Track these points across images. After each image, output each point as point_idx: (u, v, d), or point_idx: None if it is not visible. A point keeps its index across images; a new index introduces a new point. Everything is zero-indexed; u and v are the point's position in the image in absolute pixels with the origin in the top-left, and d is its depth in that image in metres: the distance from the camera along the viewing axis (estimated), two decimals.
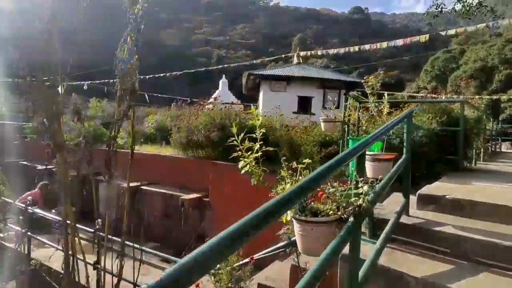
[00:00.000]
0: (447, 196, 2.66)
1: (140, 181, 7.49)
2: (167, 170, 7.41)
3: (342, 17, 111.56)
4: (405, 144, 2.74)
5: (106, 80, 20.92)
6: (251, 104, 15.52)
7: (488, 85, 40.07)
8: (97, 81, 23.56)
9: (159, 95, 35.01)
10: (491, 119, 9.60)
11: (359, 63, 74.91)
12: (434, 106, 5.34)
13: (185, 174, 7.12)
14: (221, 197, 6.15)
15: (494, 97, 29.24)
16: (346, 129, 5.23)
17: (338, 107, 14.48)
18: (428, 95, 39.89)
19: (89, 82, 23.55)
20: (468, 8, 8.78)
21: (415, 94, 41.15)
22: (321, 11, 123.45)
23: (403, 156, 2.67)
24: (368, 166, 2.85)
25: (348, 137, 4.96)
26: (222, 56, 79.57)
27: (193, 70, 21.73)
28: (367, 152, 3.79)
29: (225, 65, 24.53)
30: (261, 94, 14.80)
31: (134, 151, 3.07)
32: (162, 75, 23.88)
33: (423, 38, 9.82)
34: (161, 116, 10.55)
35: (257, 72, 14.55)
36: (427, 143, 4.78)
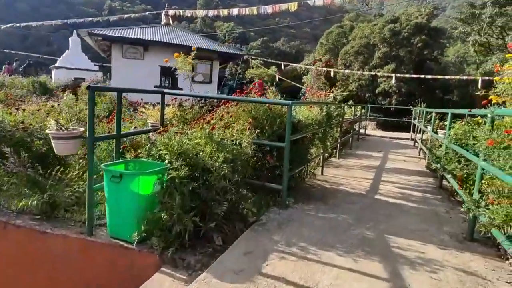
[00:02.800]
0: None
1: None
2: None
3: None
4: None
5: None
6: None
7: (370, 61, 43.76)
8: None
9: (12, 51, 27.09)
10: (355, 106, 8.80)
11: (264, 30, 73.85)
12: (256, 107, 3.50)
13: None
14: None
15: (372, 73, 31.55)
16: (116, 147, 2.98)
17: (210, 82, 12.29)
18: (321, 68, 41.33)
19: None
20: None
21: (310, 67, 42.19)
22: None
23: None
24: None
25: (104, 165, 2.71)
26: (116, 8, 67.95)
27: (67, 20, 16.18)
28: None
29: (116, 16, 19.35)
30: (112, 62, 11.34)
31: None
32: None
33: (292, 6, 8.12)
34: None
35: (100, 32, 10.84)
36: (232, 171, 2.92)
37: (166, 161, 2.92)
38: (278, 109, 3.55)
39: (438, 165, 4.37)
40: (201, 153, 2.98)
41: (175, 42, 11.35)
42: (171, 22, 13.23)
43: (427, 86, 38.43)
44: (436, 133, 6.21)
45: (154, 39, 11.27)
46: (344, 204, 3.60)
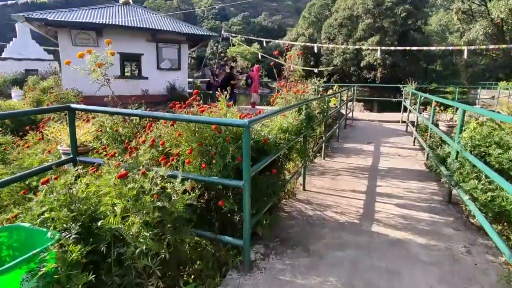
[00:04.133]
0: None
1: None
2: None
3: None
4: None
5: None
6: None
7: (354, 34, 42.15)
8: None
9: None
10: (341, 92, 7.72)
11: (245, 5, 70.32)
12: (201, 128, 2.36)
13: None
14: None
15: (356, 46, 30.19)
16: None
17: (179, 68, 10.84)
18: (304, 43, 39.66)
19: None
20: None
21: (293, 43, 40.44)
22: None
23: None
24: None
25: None
26: None
27: None
28: None
29: None
30: (60, 51, 9.65)
31: None
32: None
33: None
34: None
35: (40, 16, 9.05)
36: (159, 238, 1.86)
37: (50, 231, 1.82)
38: (234, 127, 2.42)
39: (448, 178, 3.39)
40: (109, 215, 1.88)
41: (134, 25, 9.72)
42: (130, 0, 11.47)
43: (411, 57, 37.44)
44: (437, 125, 5.22)
45: (109, 22, 9.60)
46: (332, 252, 2.60)
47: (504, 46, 21.71)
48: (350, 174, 4.70)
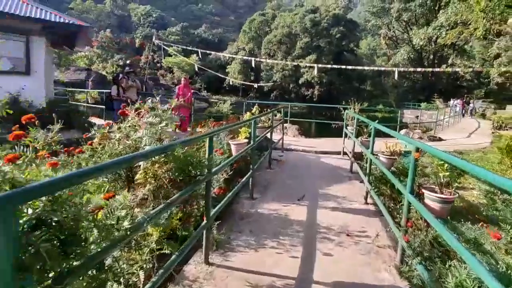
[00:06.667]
0: None
1: None
2: None
3: None
4: None
5: None
6: None
7: (292, 51, 41.73)
8: None
9: None
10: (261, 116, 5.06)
11: (187, 17, 66.90)
12: None
13: None
14: None
15: (294, 63, 29.06)
16: None
17: (27, 72, 7.19)
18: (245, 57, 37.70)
19: None
20: None
21: (234, 56, 38.15)
22: None
23: None
24: None
25: None
26: None
27: None
28: None
29: None
30: None
31: None
32: None
33: None
34: None
35: None
36: None
37: None
38: None
39: None
40: None
41: None
42: None
43: (345, 76, 38.01)
44: (418, 195, 2.73)
45: None
46: None
47: (430, 69, 22.19)
48: None
